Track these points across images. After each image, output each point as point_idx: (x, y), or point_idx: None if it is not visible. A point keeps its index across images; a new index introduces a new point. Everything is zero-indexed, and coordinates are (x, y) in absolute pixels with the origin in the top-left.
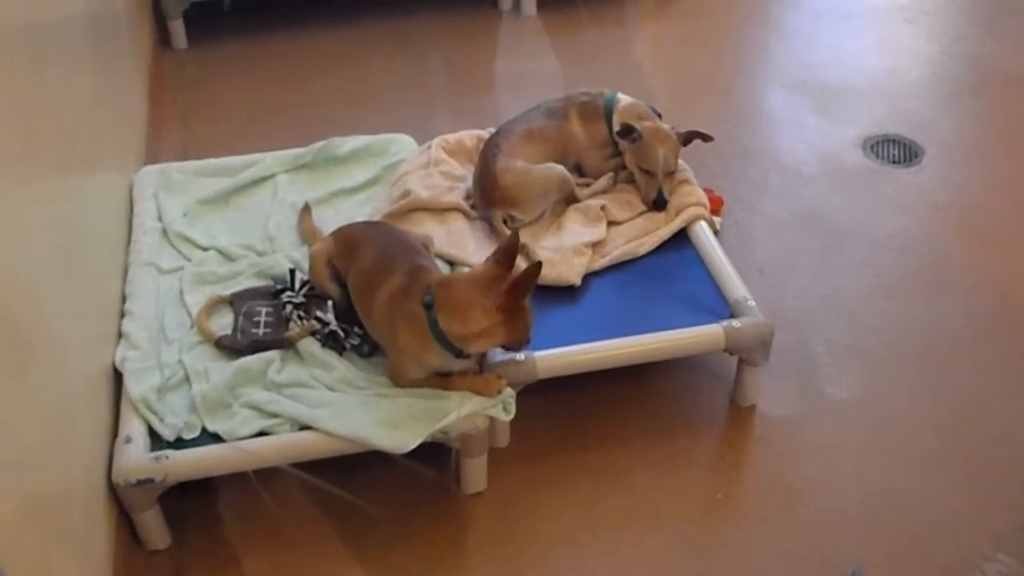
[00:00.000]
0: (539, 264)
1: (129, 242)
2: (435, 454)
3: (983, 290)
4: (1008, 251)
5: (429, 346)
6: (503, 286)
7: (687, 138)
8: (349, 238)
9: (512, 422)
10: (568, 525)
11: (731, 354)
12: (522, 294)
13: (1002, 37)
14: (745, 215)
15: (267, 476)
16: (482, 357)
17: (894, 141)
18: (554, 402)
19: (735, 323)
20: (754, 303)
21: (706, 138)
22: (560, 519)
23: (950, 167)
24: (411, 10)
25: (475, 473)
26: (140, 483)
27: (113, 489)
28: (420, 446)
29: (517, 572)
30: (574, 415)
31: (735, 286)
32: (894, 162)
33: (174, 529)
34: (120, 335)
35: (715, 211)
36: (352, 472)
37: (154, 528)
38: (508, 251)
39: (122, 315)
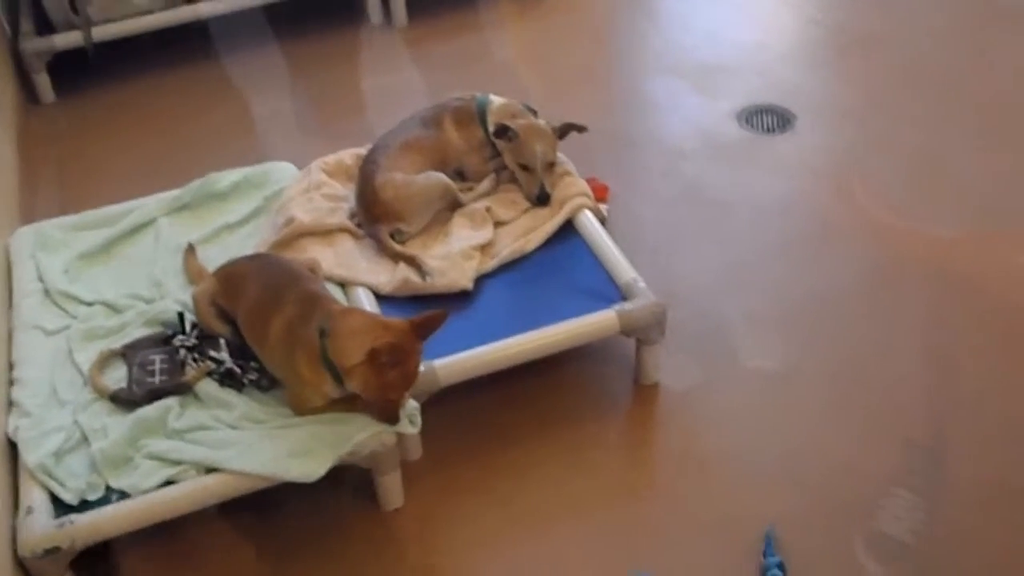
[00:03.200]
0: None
1: (10, 307)
2: (349, 475)
3: (865, 245)
4: (884, 204)
5: (322, 374)
6: (390, 335)
7: (563, 131)
8: (232, 275)
9: (423, 433)
10: (488, 526)
11: (627, 336)
12: (392, 350)
13: (862, 1)
14: (632, 199)
15: (184, 520)
16: None
17: (767, 111)
18: (462, 407)
19: (627, 306)
20: (644, 284)
21: (580, 128)
22: (480, 521)
23: (821, 130)
24: (279, 36)
25: (390, 489)
26: (48, 552)
27: (21, 563)
28: (333, 469)
29: None
30: (484, 417)
31: (624, 270)
32: (768, 130)
33: None
34: (10, 404)
35: (601, 198)
36: (268, 504)
37: None
38: (429, 321)
39: (11, 383)
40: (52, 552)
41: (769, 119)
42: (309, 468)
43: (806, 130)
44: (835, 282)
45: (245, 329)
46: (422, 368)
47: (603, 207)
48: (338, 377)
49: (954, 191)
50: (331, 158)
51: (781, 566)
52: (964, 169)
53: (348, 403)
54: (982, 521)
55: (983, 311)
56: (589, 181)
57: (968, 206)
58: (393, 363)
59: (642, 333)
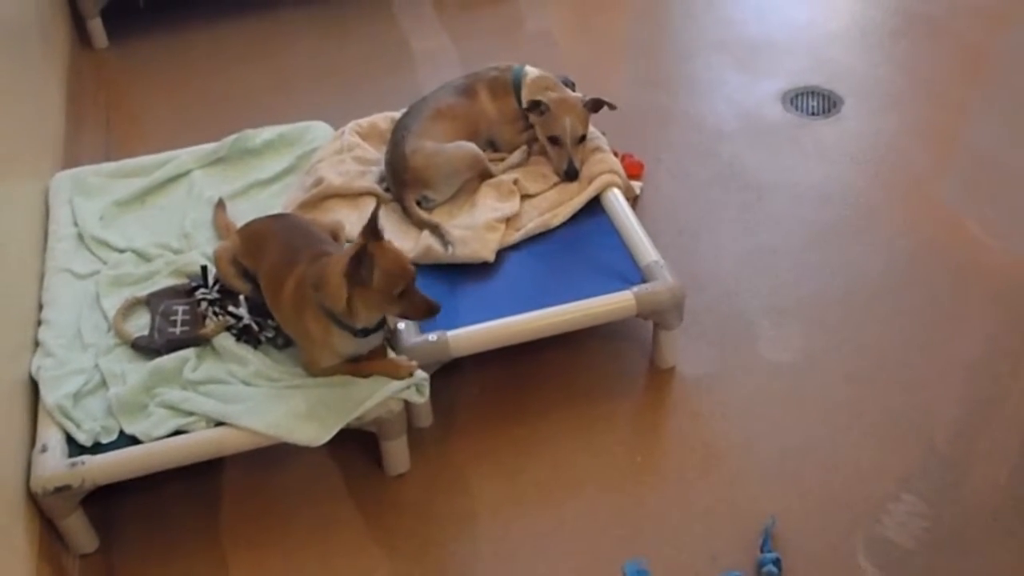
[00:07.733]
0: (373, 235)
1: (45, 249)
2: (358, 438)
3: (900, 238)
4: (925, 197)
5: (330, 329)
6: (348, 253)
7: (594, 105)
8: (254, 235)
9: (435, 400)
10: (490, 498)
11: (644, 319)
12: (359, 261)
13: None
14: (666, 178)
15: (194, 472)
16: (392, 338)
17: (813, 93)
18: (477, 378)
19: (646, 288)
20: (665, 266)
21: (610, 106)
22: (483, 493)
23: (868, 116)
24: None
25: (395, 455)
26: (58, 490)
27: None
28: (341, 431)
29: (440, 549)
30: (497, 390)
31: (647, 251)
32: (813, 114)
33: (104, 531)
34: (36, 343)
35: (636, 176)
36: (274, 460)
37: (79, 533)
38: (371, 225)
39: (39, 323)
40: (62, 490)
41: (814, 102)
42: (314, 432)
43: (852, 116)
44: (865, 276)
45: (265, 289)
46: (433, 338)
47: (637, 185)
48: (351, 328)
49: (1004, 191)
50: (365, 121)
51: (777, 562)
52: (1017, 169)
53: (359, 365)
54: (987, 533)
55: (1020, 318)
56: (625, 158)
57: (1018, 209)
58: (368, 271)
59: (660, 316)
